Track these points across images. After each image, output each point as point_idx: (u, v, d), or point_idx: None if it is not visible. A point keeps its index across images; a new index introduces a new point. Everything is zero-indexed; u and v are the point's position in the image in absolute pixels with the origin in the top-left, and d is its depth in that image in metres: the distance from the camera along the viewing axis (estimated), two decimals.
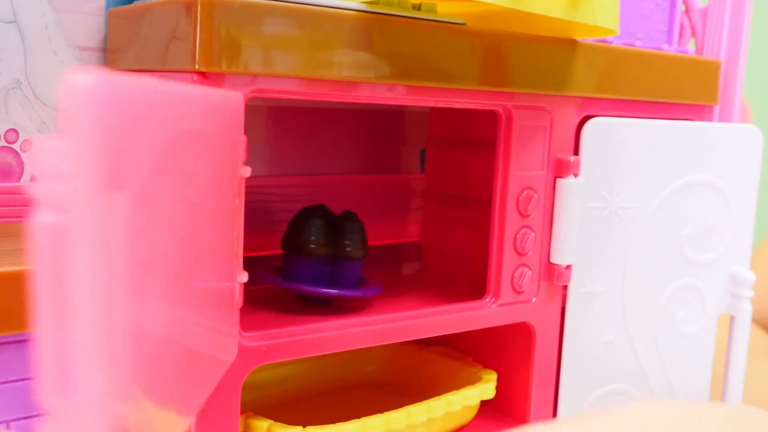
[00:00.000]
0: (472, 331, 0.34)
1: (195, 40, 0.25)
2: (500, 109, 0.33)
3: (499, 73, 0.32)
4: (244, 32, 0.25)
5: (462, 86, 0.31)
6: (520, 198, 0.34)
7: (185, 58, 0.25)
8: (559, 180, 0.35)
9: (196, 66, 0.25)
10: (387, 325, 0.31)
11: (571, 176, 0.35)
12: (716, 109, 0.42)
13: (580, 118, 0.36)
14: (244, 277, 0.26)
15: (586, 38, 0.34)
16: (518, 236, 0.34)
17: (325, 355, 0.38)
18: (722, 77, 0.42)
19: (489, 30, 0.31)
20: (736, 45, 0.42)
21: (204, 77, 0.25)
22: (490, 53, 0.31)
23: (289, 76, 0.27)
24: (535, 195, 0.34)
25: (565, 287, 0.36)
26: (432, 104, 0.31)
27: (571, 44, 0.34)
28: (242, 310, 0.27)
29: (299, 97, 0.27)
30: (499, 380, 0.37)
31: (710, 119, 0.41)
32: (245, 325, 0.27)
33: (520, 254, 0.34)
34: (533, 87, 0.33)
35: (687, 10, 0.44)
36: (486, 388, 0.36)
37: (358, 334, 0.30)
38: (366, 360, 0.41)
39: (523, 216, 0.34)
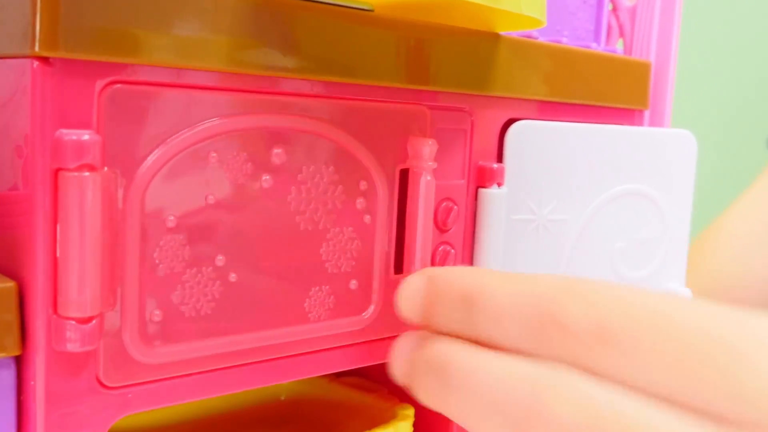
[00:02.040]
0: None
1: (35, 14, 0.20)
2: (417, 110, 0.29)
3: (412, 68, 0.28)
4: (103, 5, 0.21)
5: (369, 82, 0.27)
6: (439, 211, 0.30)
7: (17, 38, 0.20)
8: (481, 190, 0.31)
9: (36, 49, 0.20)
10: (280, 362, 0.26)
11: (495, 186, 0.31)
12: (646, 114, 0.39)
13: (503, 121, 0.32)
14: None
15: (509, 31, 0.30)
16: (437, 254, 0.30)
17: None
18: (652, 80, 0.39)
19: (401, 19, 0.27)
20: (667, 46, 0.39)
21: (47, 64, 0.20)
22: (402, 46, 0.27)
23: (160, 65, 0.22)
24: (455, 207, 0.30)
25: None
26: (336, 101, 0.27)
27: (494, 38, 0.30)
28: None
29: (170, 88, 0.22)
30: (416, 416, 0.33)
31: (640, 125, 0.39)
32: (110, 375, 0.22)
33: None
34: (451, 85, 0.29)
35: (614, 9, 0.41)
36: (401, 427, 0.31)
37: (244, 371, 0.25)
38: (266, 394, 0.36)
39: (442, 231, 0.30)
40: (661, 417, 0.19)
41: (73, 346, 0.21)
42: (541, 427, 0.20)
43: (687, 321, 0.20)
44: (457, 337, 0.24)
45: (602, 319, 0.21)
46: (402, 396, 0.34)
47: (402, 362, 0.26)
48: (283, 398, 0.37)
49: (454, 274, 0.25)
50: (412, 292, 0.26)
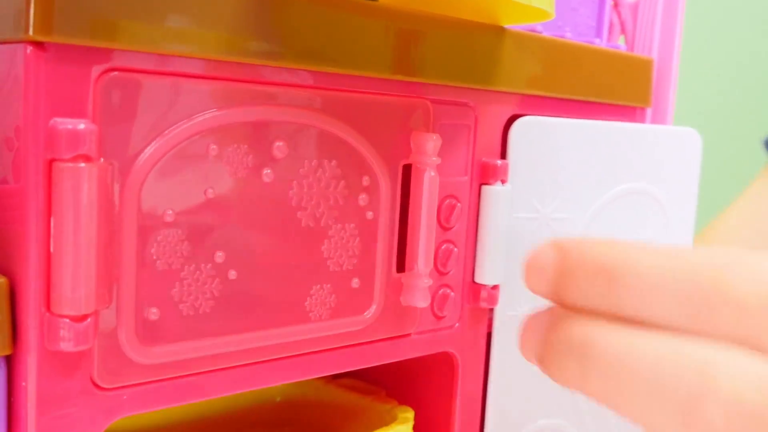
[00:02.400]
0: None
1: None
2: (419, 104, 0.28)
3: (415, 61, 0.27)
4: None
5: (371, 74, 0.26)
6: (442, 208, 0.29)
7: (9, 22, 0.19)
8: (484, 187, 0.30)
9: (30, 33, 0.19)
10: (280, 363, 0.25)
11: (498, 183, 0.30)
12: (648, 111, 0.39)
13: (507, 117, 0.31)
14: None
15: (514, 24, 0.30)
16: (440, 252, 0.29)
17: None
18: (655, 77, 0.38)
19: (405, 10, 0.27)
20: (670, 42, 0.39)
21: (41, 49, 0.19)
22: (405, 37, 0.27)
23: (158, 52, 0.21)
24: (458, 204, 0.29)
25: (491, 311, 0.32)
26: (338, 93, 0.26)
27: (499, 32, 0.30)
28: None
29: (169, 77, 0.22)
30: (416, 418, 0.32)
31: (642, 122, 0.38)
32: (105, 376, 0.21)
33: (442, 274, 0.29)
34: (455, 79, 0.29)
35: (616, 5, 0.40)
36: (401, 430, 0.31)
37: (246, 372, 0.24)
38: (261, 396, 0.35)
39: (445, 229, 0.29)
40: None
41: (66, 346, 0.20)
42: (714, 411, 0.18)
43: None
44: (596, 314, 0.22)
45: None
46: (400, 398, 0.33)
47: (535, 342, 0.23)
48: (278, 400, 0.36)
49: (588, 245, 0.23)
50: (542, 263, 0.23)
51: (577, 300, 0.22)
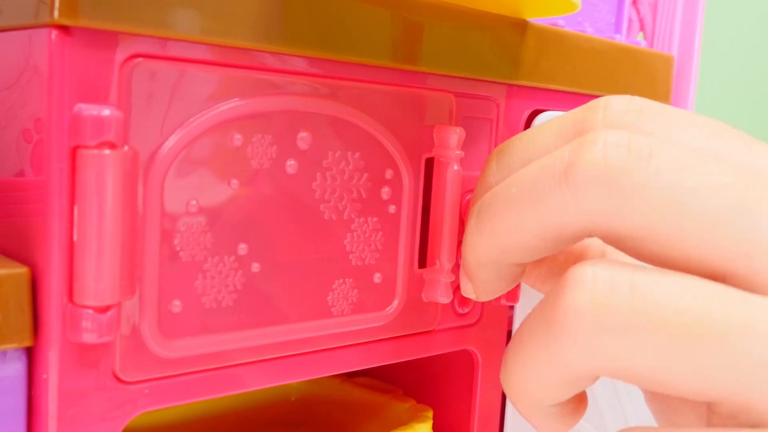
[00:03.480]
0: None
1: None
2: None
3: (439, 53, 0.27)
4: None
5: (396, 66, 0.26)
6: (464, 203, 0.28)
7: (29, 7, 0.19)
8: None
9: (55, 16, 0.19)
10: (302, 359, 0.25)
11: None
12: None
13: (529, 112, 0.31)
14: None
15: (539, 17, 0.29)
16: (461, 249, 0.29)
17: None
18: (674, 74, 0.38)
19: (431, 2, 0.26)
20: (690, 39, 0.38)
21: (66, 33, 0.19)
22: (430, 30, 0.26)
23: (185, 39, 0.21)
24: None
25: (512, 308, 0.31)
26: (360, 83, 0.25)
27: (522, 25, 0.29)
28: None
29: (195, 64, 0.21)
30: (434, 417, 0.32)
31: None
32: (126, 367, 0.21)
33: None
34: (479, 72, 0.28)
35: (635, 2, 0.40)
36: (420, 428, 0.30)
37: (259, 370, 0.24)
38: (276, 394, 0.35)
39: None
40: (707, 157, 0.20)
41: (89, 337, 0.19)
42: (591, 150, 0.20)
43: (711, 118, 0.22)
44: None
45: (636, 101, 0.22)
46: (418, 397, 0.33)
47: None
48: (293, 399, 0.35)
49: None
50: None
51: (480, 193, 0.25)
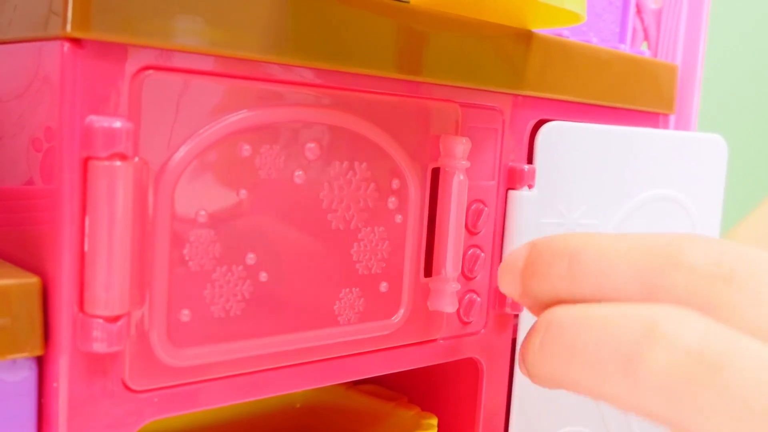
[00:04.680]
0: None
1: None
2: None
3: (445, 64, 0.27)
4: None
5: (401, 77, 0.26)
6: (469, 212, 0.29)
7: (40, 20, 0.19)
8: (511, 192, 0.30)
9: (68, 29, 0.19)
10: (308, 367, 0.25)
11: (525, 188, 0.30)
12: (672, 118, 0.38)
13: (534, 122, 0.31)
14: None
15: (544, 28, 0.29)
16: (467, 257, 0.29)
17: None
18: (678, 83, 0.38)
19: (436, 14, 0.26)
20: (694, 49, 0.38)
21: (78, 46, 0.19)
22: (436, 41, 0.26)
23: (194, 51, 0.21)
24: (486, 209, 0.29)
25: (517, 316, 0.32)
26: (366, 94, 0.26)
27: (527, 36, 0.29)
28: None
29: (204, 76, 0.21)
30: (439, 425, 0.32)
31: (666, 129, 0.38)
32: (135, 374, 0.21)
33: (468, 279, 0.29)
34: (485, 83, 0.28)
35: (639, 11, 0.40)
36: None
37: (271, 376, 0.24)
38: (281, 401, 0.35)
39: (472, 234, 0.29)
40: None
41: (99, 347, 0.19)
42: (657, 355, 0.18)
43: None
44: (560, 301, 0.22)
45: (726, 262, 0.19)
46: (423, 405, 0.33)
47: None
48: (298, 406, 0.35)
49: (557, 236, 0.23)
50: (514, 260, 0.24)
51: (541, 285, 0.23)
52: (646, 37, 0.40)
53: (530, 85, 0.30)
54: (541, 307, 0.23)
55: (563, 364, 0.21)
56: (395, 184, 0.26)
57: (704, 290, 0.19)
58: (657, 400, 0.18)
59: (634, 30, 0.40)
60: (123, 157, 0.19)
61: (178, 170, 0.21)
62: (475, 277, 0.29)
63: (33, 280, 0.20)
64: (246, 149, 0.22)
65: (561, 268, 0.22)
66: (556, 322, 0.21)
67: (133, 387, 0.21)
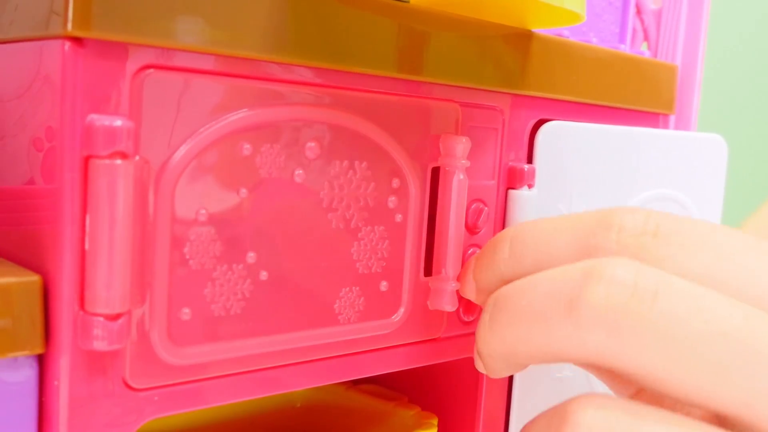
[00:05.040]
0: None
1: None
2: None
3: (445, 63, 0.27)
4: None
5: (401, 76, 0.26)
6: (469, 212, 0.29)
7: (40, 19, 0.19)
8: (511, 191, 0.30)
9: (69, 28, 0.19)
10: (309, 366, 0.25)
11: (525, 187, 0.30)
12: (672, 118, 0.38)
13: (534, 121, 0.31)
14: None
15: (544, 28, 0.29)
16: (466, 256, 0.29)
17: None
18: (678, 84, 0.38)
19: (435, 12, 0.26)
20: (694, 49, 0.38)
21: (79, 45, 0.19)
22: (436, 40, 0.27)
23: (195, 50, 0.21)
24: (486, 209, 0.29)
25: None
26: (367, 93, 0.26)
27: (527, 35, 0.29)
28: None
29: (205, 75, 0.21)
30: (438, 425, 0.32)
31: (666, 129, 0.38)
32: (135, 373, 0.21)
33: None
34: (485, 82, 0.28)
35: (639, 12, 0.40)
36: None
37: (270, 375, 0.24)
38: (281, 400, 0.35)
39: (472, 233, 0.29)
40: (715, 296, 0.20)
41: (100, 345, 0.19)
42: (597, 288, 0.20)
43: (731, 231, 0.21)
44: (506, 283, 0.24)
45: (652, 220, 0.22)
46: (423, 404, 0.33)
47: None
48: (298, 405, 0.35)
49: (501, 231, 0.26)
50: (468, 264, 0.26)
51: (488, 274, 0.25)
52: (646, 38, 0.40)
53: (530, 85, 0.30)
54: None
55: (512, 326, 0.22)
56: (395, 183, 0.26)
57: (634, 244, 0.21)
58: (599, 334, 0.20)
59: (634, 30, 0.40)
60: (124, 155, 0.19)
61: (178, 169, 0.21)
62: None
63: (34, 278, 0.20)
64: (246, 148, 0.22)
65: (503, 252, 0.24)
66: (502, 296, 0.23)
67: (134, 385, 0.21)
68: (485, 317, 0.24)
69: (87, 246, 0.19)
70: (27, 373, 0.20)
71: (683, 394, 0.19)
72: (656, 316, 0.19)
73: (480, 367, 0.25)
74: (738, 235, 0.21)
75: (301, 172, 0.23)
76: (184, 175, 0.21)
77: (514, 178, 0.30)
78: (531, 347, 0.22)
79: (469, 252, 0.29)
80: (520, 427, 0.32)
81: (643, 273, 0.20)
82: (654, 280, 0.20)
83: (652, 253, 0.21)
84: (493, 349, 0.23)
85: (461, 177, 0.27)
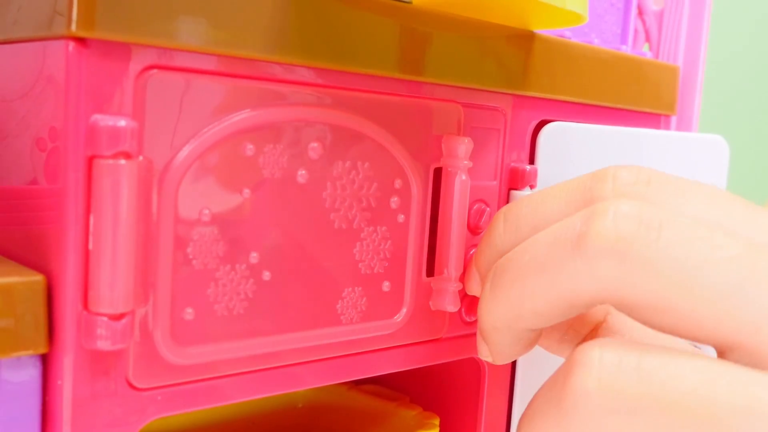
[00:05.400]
0: None
1: None
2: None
3: (447, 64, 0.27)
4: None
5: (404, 77, 0.26)
6: (471, 212, 0.29)
7: (44, 19, 0.19)
8: (513, 192, 0.30)
9: (73, 29, 0.19)
10: (311, 366, 0.25)
11: (527, 188, 0.30)
12: (673, 119, 0.38)
13: (536, 122, 0.31)
14: None
15: (547, 29, 0.30)
16: (469, 257, 0.29)
17: None
18: (680, 85, 0.38)
19: (438, 13, 0.26)
20: (695, 50, 0.38)
21: (84, 45, 0.19)
22: (438, 41, 0.27)
23: (198, 51, 0.21)
24: (488, 209, 0.29)
25: None
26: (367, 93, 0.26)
27: (530, 36, 0.30)
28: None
29: (208, 75, 0.21)
30: (440, 425, 0.32)
31: (667, 130, 0.38)
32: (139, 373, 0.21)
33: None
34: (487, 83, 0.28)
35: (640, 13, 0.40)
36: None
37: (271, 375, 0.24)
38: (282, 401, 0.35)
39: (474, 233, 0.29)
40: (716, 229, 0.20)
41: (103, 344, 0.20)
42: (604, 221, 0.20)
43: (717, 187, 0.22)
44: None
45: (644, 172, 0.22)
46: (424, 405, 0.33)
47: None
48: (300, 406, 0.35)
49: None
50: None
51: (486, 254, 0.25)
52: (648, 39, 0.40)
53: (532, 86, 0.30)
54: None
55: (517, 282, 0.22)
56: (398, 183, 0.26)
57: (630, 192, 0.22)
58: (610, 262, 0.20)
59: (636, 31, 0.40)
60: (127, 155, 0.19)
61: (182, 169, 0.21)
62: None
63: (38, 278, 0.20)
64: (249, 148, 0.22)
65: (499, 228, 0.25)
66: (501, 262, 0.23)
67: (137, 385, 0.21)
68: (486, 288, 0.24)
69: (91, 246, 0.19)
70: (30, 373, 0.20)
71: (693, 324, 0.20)
72: (664, 244, 0.19)
73: (484, 352, 0.25)
74: (722, 191, 0.22)
75: (303, 172, 0.23)
76: (188, 175, 0.21)
77: (516, 179, 0.30)
78: (537, 300, 0.22)
79: (471, 252, 0.29)
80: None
81: (647, 208, 0.20)
82: (657, 213, 0.20)
83: (648, 199, 0.21)
84: (497, 315, 0.23)
85: (463, 177, 0.27)
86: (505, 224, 0.25)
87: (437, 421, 0.31)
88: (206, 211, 0.22)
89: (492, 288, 0.23)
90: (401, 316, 0.27)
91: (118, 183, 0.19)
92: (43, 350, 0.20)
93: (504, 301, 0.23)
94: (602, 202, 0.21)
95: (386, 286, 0.26)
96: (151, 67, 0.20)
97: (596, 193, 0.22)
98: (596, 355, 0.20)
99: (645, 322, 0.21)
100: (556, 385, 0.21)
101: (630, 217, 0.20)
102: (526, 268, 0.22)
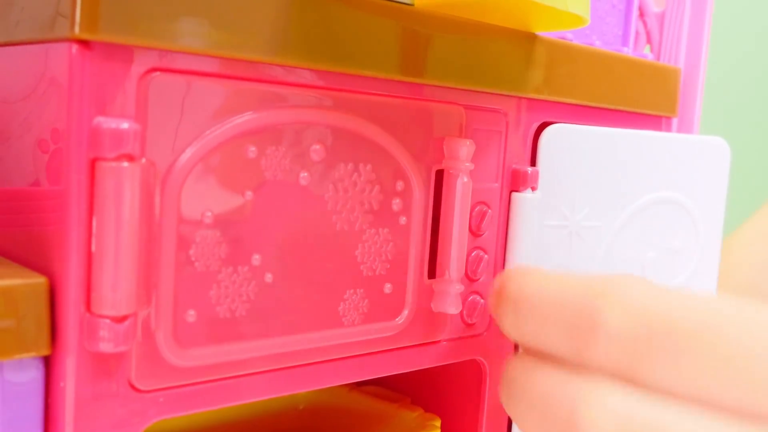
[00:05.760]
0: None
1: None
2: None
3: (449, 66, 0.27)
4: None
5: (406, 79, 0.26)
6: (473, 214, 0.29)
7: (47, 21, 0.19)
8: (514, 194, 0.30)
9: (76, 31, 0.19)
10: (313, 368, 0.25)
11: (529, 190, 0.30)
12: (674, 121, 0.38)
13: (537, 124, 0.31)
14: None
15: (548, 31, 0.30)
16: (470, 259, 0.29)
17: None
18: (681, 87, 0.38)
19: (441, 16, 0.27)
20: (696, 52, 0.38)
21: (87, 48, 0.19)
22: (440, 43, 0.27)
23: (201, 53, 0.21)
24: (489, 211, 0.29)
25: None
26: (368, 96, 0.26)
27: (531, 38, 0.30)
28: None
29: (211, 78, 0.21)
30: (441, 427, 0.32)
31: (668, 132, 0.38)
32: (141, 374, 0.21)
33: (472, 280, 0.29)
34: (489, 85, 0.28)
35: (642, 15, 0.40)
36: None
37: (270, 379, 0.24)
38: (284, 403, 0.35)
39: (476, 235, 0.29)
40: (704, 424, 0.20)
41: (106, 346, 0.20)
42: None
43: (731, 325, 0.20)
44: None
45: (642, 324, 0.21)
46: (426, 406, 0.33)
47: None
48: (301, 407, 0.35)
49: (508, 275, 0.26)
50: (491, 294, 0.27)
51: (503, 329, 0.26)
52: (649, 41, 0.40)
53: (534, 88, 0.30)
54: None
55: (516, 416, 0.24)
56: (399, 185, 0.26)
57: (623, 360, 0.21)
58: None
59: (637, 33, 0.40)
60: (130, 158, 0.19)
61: (184, 171, 0.21)
62: (478, 279, 0.29)
63: (40, 280, 0.20)
64: (252, 151, 0.22)
65: (507, 317, 0.25)
66: (507, 375, 0.25)
67: (139, 387, 0.21)
68: (502, 388, 0.26)
69: (93, 248, 0.19)
70: (33, 375, 0.20)
71: None
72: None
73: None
74: (732, 327, 0.20)
75: (305, 174, 0.24)
76: (190, 177, 0.21)
77: (518, 181, 0.30)
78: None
79: (473, 254, 0.29)
80: None
81: (630, 422, 0.20)
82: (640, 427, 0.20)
83: (641, 373, 0.21)
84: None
85: (465, 179, 0.27)
86: (515, 316, 0.25)
87: (438, 423, 0.31)
88: (209, 214, 0.22)
89: (504, 397, 0.26)
90: (403, 318, 0.27)
91: (121, 185, 0.19)
92: (45, 352, 0.20)
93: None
94: (590, 391, 0.21)
95: (388, 288, 0.26)
96: (154, 69, 0.20)
97: (591, 352, 0.22)
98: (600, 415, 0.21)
99: None
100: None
101: (615, 425, 0.20)
102: (520, 417, 0.24)
